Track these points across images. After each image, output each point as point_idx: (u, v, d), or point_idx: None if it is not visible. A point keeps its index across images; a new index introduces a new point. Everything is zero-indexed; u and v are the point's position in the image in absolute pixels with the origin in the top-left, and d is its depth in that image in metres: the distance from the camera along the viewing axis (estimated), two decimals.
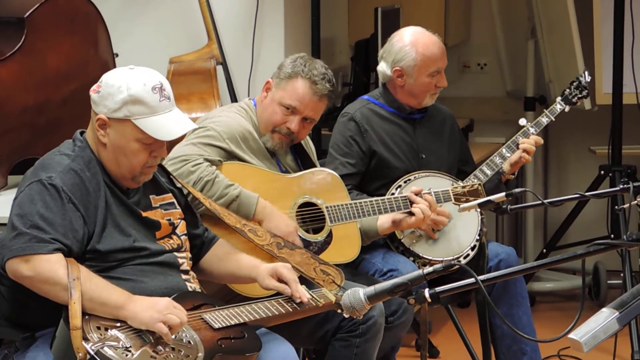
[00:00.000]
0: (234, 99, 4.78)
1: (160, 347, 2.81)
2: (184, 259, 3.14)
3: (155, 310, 2.82)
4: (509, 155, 4.14)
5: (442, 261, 3.92)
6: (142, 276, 3.00)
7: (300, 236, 3.61)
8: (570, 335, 2.07)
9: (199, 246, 3.29)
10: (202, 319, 2.98)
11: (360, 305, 2.43)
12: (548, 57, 6.07)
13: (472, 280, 2.33)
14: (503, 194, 3.14)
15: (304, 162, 3.82)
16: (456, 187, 3.89)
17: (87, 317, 2.79)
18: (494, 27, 6.61)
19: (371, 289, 2.42)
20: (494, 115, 6.59)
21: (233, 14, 4.97)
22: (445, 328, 5.22)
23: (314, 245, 3.64)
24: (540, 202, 3.12)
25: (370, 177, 4.07)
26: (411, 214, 3.77)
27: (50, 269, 2.81)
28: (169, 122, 2.99)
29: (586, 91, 4.35)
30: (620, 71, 5.14)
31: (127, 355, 2.75)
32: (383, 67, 4.12)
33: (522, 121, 4.21)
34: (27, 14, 4.12)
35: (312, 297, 3.17)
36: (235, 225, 3.36)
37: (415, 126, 4.16)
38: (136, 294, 2.89)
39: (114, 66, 4.45)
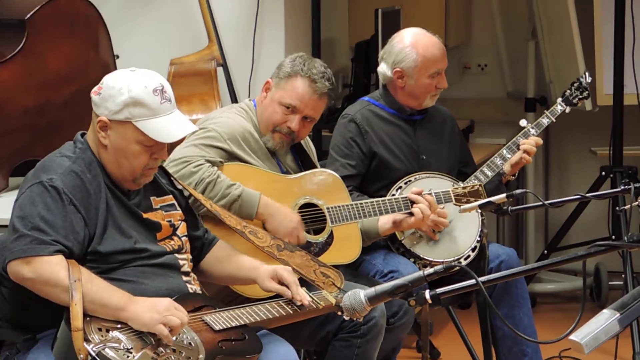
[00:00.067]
0: (234, 100, 4.79)
1: (161, 349, 2.81)
2: (184, 261, 3.14)
3: (156, 311, 2.82)
4: (509, 156, 4.14)
5: (442, 262, 3.92)
6: (142, 278, 3.00)
7: None
8: (571, 337, 2.07)
9: (200, 248, 3.29)
10: (203, 320, 2.98)
11: (361, 306, 2.43)
12: (549, 58, 6.07)
13: (472, 281, 2.33)
14: (504, 195, 3.14)
15: (304, 162, 3.82)
16: (457, 188, 3.89)
17: (88, 318, 2.79)
18: (495, 28, 6.61)
19: (372, 290, 2.42)
20: (494, 116, 6.59)
21: (233, 15, 4.98)
22: (446, 329, 5.22)
23: (314, 246, 3.64)
24: (541, 203, 3.12)
25: (370, 179, 4.07)
26: (411, 214, 3.77)
27: (51, 270, 2.82)
28: (170, 124, 3.00)
29: (587, 92, 4.35)
30: (620, 72, 5.14)
31: (128, 356, 2.75)
32: (383, 69, 4.12)
33: (523, 122, 4.21)
34: (28, 16, 4.13)
35: (313, 299, 3.17)
36: (236, 227, 3.36)
37: (415, 127, 4.16)
38: (137, 295, 2.89)
39: (115, 68, 4.45)
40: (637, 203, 3.09)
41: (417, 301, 2.35)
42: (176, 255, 3.12)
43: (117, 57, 4.53)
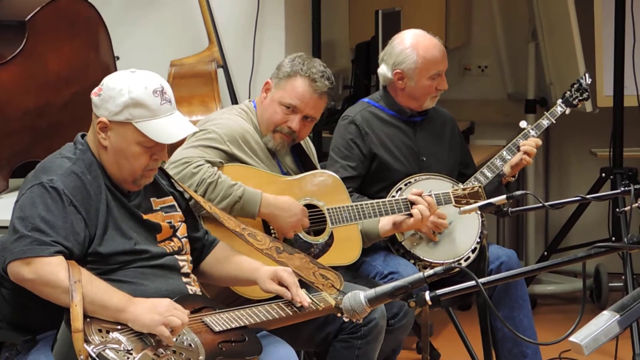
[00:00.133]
0: (234, 101, 4.78)
1: (161, 350, 2.81)
2: (184, 262, 3.14)
3: (156, 312, 2.82)
4: (509, 157, 4.14)
5: (442, 264, 3.92)
6: (142, 279, 3.00)
7: (301, 238, 3.61)
8: (571, 338, 2.07)
9: (200, 249, 3.29)
10: (203, 322, 2.98)
11: (361, 308, 2.43)
12: (549, 60, 6.07)
13: (472, 283, 2.33)
14: (504, 196, 3.14)
15: (304, 163, 3.82)
16: (457, 190, 3.89)
17: (88, 319, 2.79)
18: (495, 29, 6.62)
19: (372, 292, 2.42)
20: (494, 117, 6.59)
21: (234, 16, 4.98)
22: (447, 331, 5.22)
23: (315, 247, 3.64)
24: (541, 204, 3.12)
25: (370, 180, 4.07)
26: (411, 215, 3.77)
27: (51, 271, 2.82)
28: (170, 126, 3.00)
29: (587, 93, 4.34)
30: (621, 73, 5.14)
31: (128, 358, 2.75)
32: (384, 70, 4.12)
33: (523, 124, 4.21)
34: (28, 17, 4.13)
35: (313, 301, 3.17)
36: (235, 229, 3.36)
37: (415, 129, 4.16)
38: (137, 296, 2.89)
39: (115, 69, 4.45)
40: (637, 205, 3.09)
41: (417, 302, 2.35)
42: (176, 256, 3.12)
43: (118, 58, 4.53)
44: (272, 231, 3.57)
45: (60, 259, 2.84)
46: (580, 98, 4.34)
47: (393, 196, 3.96)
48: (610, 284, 5.72)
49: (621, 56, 5.13)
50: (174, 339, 2.84)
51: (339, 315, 3.05)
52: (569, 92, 4.34)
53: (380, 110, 4.14)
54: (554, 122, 4.27)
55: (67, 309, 2.78)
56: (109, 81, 3.00)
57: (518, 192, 3.19)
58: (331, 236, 3.69)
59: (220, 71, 4.81)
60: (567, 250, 5.73)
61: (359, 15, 6.01)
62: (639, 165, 5.51)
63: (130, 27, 5.01)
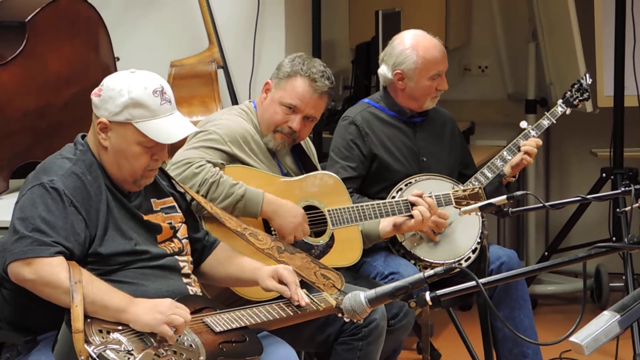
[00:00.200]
0: (235, 102, 4.78)
1: (162, 350, 2.81)
2: (185, 263, 3.14)
3: (158, 312, 2.82)
4: (510, 157, 4.14)
5: (443, 264, 3.92)
6: (143, 279, 3.00)
7: (302, 239, 3.61)
8: (572, 339, 2.07)
9: (200, 250, 3.29)
10: (204, 322, 2.98)
11: (361, 308, 2.43)
12: (549, 60, 6.07)
13: (473, 283, 2.32)
14: (504, 196, 3.14)
15: (304, 164, 3.82)
16: (457, 191, 3.89)
17: (89, 320, 2.79)
18: (495, 29, 6.61)
19: (372, 292, 2.42)
20: (495, 118, 6.59)
21: (234, 17, 4.98)
22: (447, 331, 5.22)
23: (316, 248, 3.64)
24: (541, 204, 3.12)
25: (371, 181, 4.07)
26: (411, 216, 3.77)
27: (52, 272, 2.82)
28: (170, 126, 3.00)
29: (587, 93, 4.34)
30: (621, 73, 5.14)
31: (129, 358, 2.75)
32: (384, 70, 4.12)
33: (523, 124, 4.21)
34: (29, 18, 4.13)
35: (312, 300, 3.17)
36: (236, 229, 3.36)
37: (415, 129, 4.16)
38: (137, 297, 2.89)
39: (115, 70, 4.45)
40: (637, 205, 3.09)
41: (418, 303, 2.35)
42: (177, 257, 3.12)
43: (118, 59, 4.53)
44: (272, 232, 3.57)
45: (60, 259, 2.84)
46: (581, 98, 4.33)
47: (393, 197, 3.96)
48: (610, 284, 5.71)
49: (621, 56, 5.14)
50: (176, 339, 2.84)
51: (339, 315, 3.05)
52: (569, 92, 4.34)
53: (380, 110, 4.14)
54: (555, 122, 4.27)
55: (68, 309, 2.78)
56: (108, 82, 3.00)
57: (518, 193, 3.19)
58: (332, 237, 3.69)
59: (221, 72, 4.81)
60: (568, 250, 5.73)
61: (359, 16, 6.01)
62: (639, 166, 5.51)
63: (131, 28, 5.01)
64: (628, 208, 3.15)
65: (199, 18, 4.84)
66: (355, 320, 2.51)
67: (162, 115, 2.99)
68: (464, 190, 3.89)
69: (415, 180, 4.03)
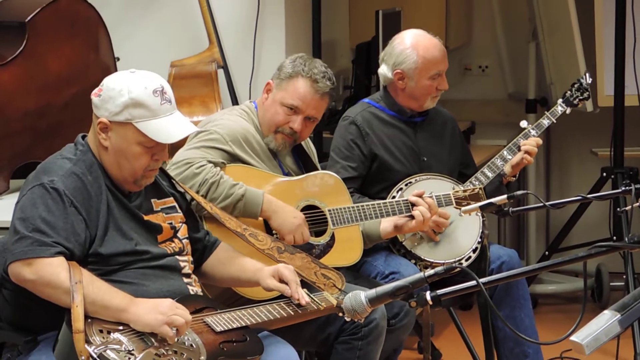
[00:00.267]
0: (235, 102, 4.78)
1: (162, 350, 2.81)
2: (185, 263, 3.14)
3: (159, 312, 2.82)
4: (510, 157, 4.14)
5: (443, 264, 3.92)
6: (143, 279, 3.00)
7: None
8: (572, 338, 2.07)
9: (201, 250, 3.29)
10: (204, 322, 2.98)
11: (362, 308, 2.42)
12: (549, 59, 6.07)
13: (473, 282, 2.32)
14: (505, 196, 3.14)
15: (305, 164, 3.82)
16: (457, 191, 3.89)
17: (89, 320, 2.79)
18: (495, 29, 6.61)
19: (372, 292, 2.42)
20: (495, 117, 6.59)
21: (234, 17, 4.98)
22: (448, 330, 5.22)
23: (316, 248, 3.64)
24: (542, 204, 3.12)
25: (371, 181, 4.07)
26: (412, 217, 3.77)
27: (52, 272, 2.82)
28: (170, 125, 3.00)
29: (587, 93, 4.34)
30: (621, 73, 5.14)
31: (129, 358, 2.75)
32: (384, 70, 4.12)
33: (524, 123, 4.21)
34: (29, 18, 4.13)
35: (313, 299, 3.17)
36: (236, 229, 3.36)
37: (416, 129, 4.16)
38: (138, 297, 2.89)
39: (115, 70, 4.45)
40: (638, 204, 3.08)
41: (418, 302, 2.35)
42: (177, 257, 3.12)
43: (118, 59, 4.53)
44: (273, 233, 3.57)
45: (61, 259, 2.84)
46: (581, 97, 4.33)
47: (394, 196, 3.96)
48: (611, 284, 5.71)
49: (622, 55, 5.13)
50: (176, 339, 2.83)
51: (340, 314, 3.05)
52: (569, 92, 4.34)
53: (380, 110, 4.14)
54: (555, 121, 4.27)
55: (68, 309, 2.78)
56: (109, 82, 3.00)
57: (519, 192, 3.19)
58: (332, 237, 3.69)
59: (221, 72, 4.81)
60: (568, 249, 5.73)
61: (359, 16, 6.01)
62: (639, 165, 5.50)
63: (131, 28, 5.01)
64: (628, 207, 3.15)
65: (199, 18, 4.84)
66: (355, 320, 2.51)
67: (163, 115, 2.99)
68: (464, 191, 3.89)
69: (416, 180, 4.03)
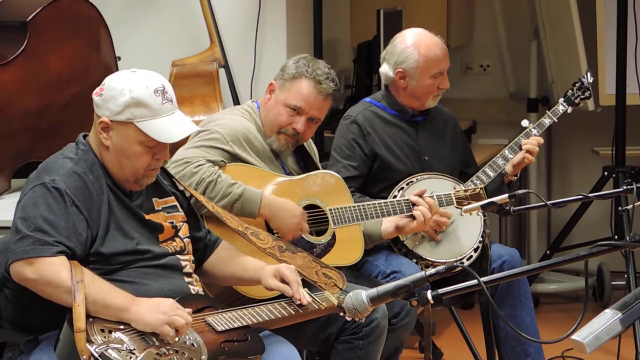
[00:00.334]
0: (236, 101, 4.78)
1: (164, 350, 2.81)
2: (186, 262, 3.14)
3: (160, 312, 2.83)
4: (511, 156, 4.14)
5: (444, 263, 3.92)
6: (145, 279, 3.00)
7: (304, 238, 3.61)
8: (574, 337, 2.07)
9: (202, 249, 3.29)
10: (205, 321, 2.98)
11: (363, 307, 2.43)
12: (551, 58, 6.07)
13: (475, 281, 2.32)
14: (506, 195, 3.14)
15: (306, 163, 3.82)
16: (458, 191, 3.89)
17: (91, 319, 2.79)
18: (497, 28, 6.61)
19: (374, 291, 2.42)
20: (496, 116, 6.59)
21: (235, 16, 4.98)
22: (449, 330, 5.22)
23: (317, 247, 3.64)
24: (543, 203, 3.12)
25: (372, 180, 4.07)
26: (413, 217, 3.77)
27: (53, 271, 2.82)
28: (172, 125, 3.00)
29: (589, 92, 4.34)
30: (623, 72, 5.14)
31: (131, 357, 2.75)
32: (385, 69, 4.12)
33: (525, 122, 4.21)
34: (30, 17, 4.13)
35: (314, 299, 3.17)
36: (237, 228, 3.36)
37: (417, 128, 4.16)
38: (139, 296, 2.89)
39: (117, 69, 4.45)
40: (639, 203, 3.08)
41: (419, 302, 2.35)
42: (178, 256, 3.12)
43: (119, 58, 4.53)
44: (274, 231, 3.57)
45: (62, 259, 2.84)
46: (582, 97, 4.33)
47: (395, 196, 3.96)
48: (612, 283, 5.71)
49: (623, 54, 5.13)
50: (177, 339, 2.84)
51: (341, 314, 3.04)
52: (571, 91, 4.34)
53: (382, 109, 4.13)
54: (556, 120, 4.27)
55: (70, 309, 2.78)
56: (110, 81, 3.00)
57: (520, 191, 3.19)
58: (333, 236, 3.69)
59: (222, 71, 4.81)
60: (570, 248, 5.73)
61: (360, 15, 6.01)
62: None
63: (132, 27, 5.01)
64: (630, 206, 3.15)
65: (200, 17, 4.84)
66: (357, 319, 2.51)
67: (164, 115, 2.99)
68: (465, 191, 3.88)
69: (417, 179, 4.03)
